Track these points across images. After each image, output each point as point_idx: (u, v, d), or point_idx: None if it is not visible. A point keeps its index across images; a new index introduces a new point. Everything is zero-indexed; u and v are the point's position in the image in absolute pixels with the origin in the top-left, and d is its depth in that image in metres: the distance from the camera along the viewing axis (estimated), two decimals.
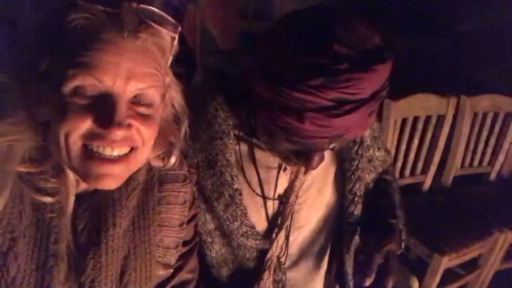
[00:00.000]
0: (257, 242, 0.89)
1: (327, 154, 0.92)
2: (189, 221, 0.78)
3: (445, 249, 1.54)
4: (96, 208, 0.64)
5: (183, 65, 0.68)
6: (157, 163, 0.71)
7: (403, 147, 1.77)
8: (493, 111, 1.96)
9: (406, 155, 1.80)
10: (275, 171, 0.89)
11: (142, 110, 0.58)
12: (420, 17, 2.67)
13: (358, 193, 0.94)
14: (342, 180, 0.96)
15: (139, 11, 0.55)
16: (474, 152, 2.00)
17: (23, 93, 0.57)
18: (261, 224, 0.90)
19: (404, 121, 1.71)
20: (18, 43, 0.61)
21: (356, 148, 0.93)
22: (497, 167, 2.07)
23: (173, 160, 0.71)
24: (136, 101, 0.57)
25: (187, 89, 0.71)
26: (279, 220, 0.90)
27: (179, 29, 0.60)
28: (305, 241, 0.96)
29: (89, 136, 0.55)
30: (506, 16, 2.32)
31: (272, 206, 0.91)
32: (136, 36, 0.55)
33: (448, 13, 2.57)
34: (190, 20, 2.44)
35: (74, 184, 0.63)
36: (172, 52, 0.62)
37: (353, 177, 0.94)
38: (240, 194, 0.85)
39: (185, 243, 0.77)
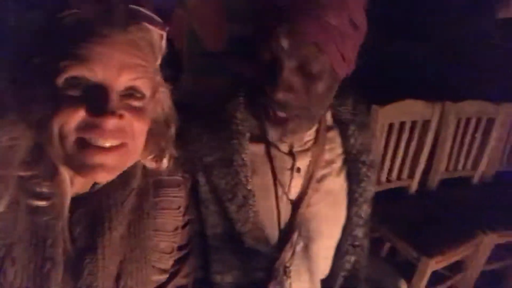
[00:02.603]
0: (267, 247, 0.88)
1: (340, 176, 0.94)
2: (183, 226, 0.78)
3: (433, 252, 1.57)
4: (92, 213, 0.64)
5: (170, 68, 0.70)
6: (151, 165, 0.72)
7: (390, 151, 1.79)
8: (476, 117, 2.01)
9: (393, 159, 1.83)
10: (288, 173, 0.89)
11: (134, 103, 0.60)
12: (404, 23, 2.71)
13: (363, 216, 0.95)
14: (349, 203, 0.95)
15: (128, 10, 0.58)
16: (458, 156, 2.05)
17: (16, 90, 0.57)
18: (272, 230, 0.89)
19: (390, 126, 1.74)
20: (7, 41, 0.61)
21: (364, 169, 0.93)
22: (480, 170, 2.13)
23: (165, 162, 0.72)
24: (127, 94, 0.59)
25: (174, 91, 0.71)
26: (290, 227, 0.89)
27: (167, 28, 0.63)
28: (314, 256, 0.94)
29: (83, 128, 0.56)
30: (487, 23, 2.38)
31: (284, 210, 0.89)
32: (126, 29, 0.58)
33: (430, 19, 2.62)
34: (178, 23, 2.43)
35: (69, 186, 0.62)
36: (161, 50, 0.65)
37: (360, 199, 0.94)
38: (254, 196, 0.85)
39: (180, 248, 0.77)
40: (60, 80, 0.54)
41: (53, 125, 0.55)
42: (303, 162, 0.89)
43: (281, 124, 0.79)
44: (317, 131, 0.91)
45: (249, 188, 0.84)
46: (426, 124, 1.84)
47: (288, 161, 0.88)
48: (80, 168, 0.58)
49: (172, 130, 0.72)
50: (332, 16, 0.72)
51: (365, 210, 0.95)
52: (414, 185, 1.94)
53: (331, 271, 0.99)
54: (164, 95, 0.69)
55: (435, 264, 1.57)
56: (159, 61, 0.66)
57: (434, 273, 1.63)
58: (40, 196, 0.59)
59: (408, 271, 1.60)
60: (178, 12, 2.38)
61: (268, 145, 0.88)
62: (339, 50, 0.75)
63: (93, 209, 0.64)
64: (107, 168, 0.59)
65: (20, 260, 0.58)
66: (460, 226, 1.75)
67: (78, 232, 0.63)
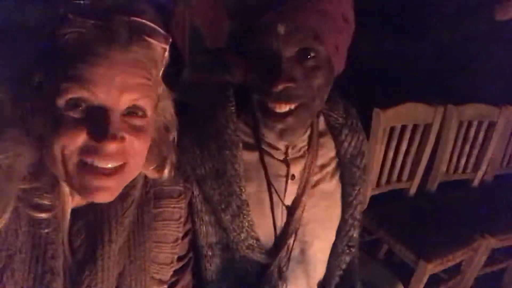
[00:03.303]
0: (262, 255, 0.88)
1: (333, 180, 0.95)
2: (183, 237, 0.78)
3: (431, 256, 1.58)
4: (92, 225, 0.64)
5: (171, 65, 0.70)
6: (153, 175, 0.71)
7: (391, 154, 1.79)
8: (478, 120, 2.01)
9: (393, 162, 1.82)
10: (283, 180, 0.89)
11: (135, 121, 0.59)
12: (404, 23, 2.68)
13: (357, 217, 0.96)
14: (343, 206, 0.97)
15: (130, 23, 0.56)
16: (459, 159, 2.05)
17: (17, 107, 0.57)
18: (267, 237, 0.89)
19: (392, 129, 1.74)
20: (10, 57, 0.61)
21: (359, 173, 0.95)
22: (480, 174, 2.13)
23: (166, 172, 0.71)
24: (129, 112, 0.58)
25: (175, 88, 0.70)
26: (285, 233, 0.90)
27: (170, 40, 0.61)
28: (310, 260, 0.95)
29: (84, 151, 0.55)
30: (483, 24, 2.35)
31: (280, 217, 0.90)
32: (128, 49, 0.56)
33: (430, 20, 2.59)
34: (179, 19, 2.42)
35: (69, 198, 0.63)
36: (164, 62, 0.63)
37: (354, 202, 0.95)
38: (248, 205, 0.85)
39: (179, 259, 0.78)
40: (61, 102, 0.54)
41: (54, 147, 0.55)
42: (297, 169, 0.90)
43: (281, 120, 0.78)
44: (310, 137, 0.92)
45: (243, 198, 0.84)
46: (427, 127, 1.84)
47: (282, 168, 0.89)
48: (81, 189, 0.58)
49: (172, 135, 0.72)
50: (326, 3, 0.73)
51: (358, 211, 0.97)
52: (414, 187, 1.94)
53: (327, 272, 1.01)
54: (167, 102, 0.68)
55: (433, 267, 1.58)
56: (161, 72, 0.65)
57: (431, 275, 1.63)
58: (41, 208, 0.59)
59: (406, 273, 1.61)
60: (181, 9, 2.37)
61: (262, 153, 0.88)
62: (334, 40, 0.76)
63: (93, 220, 0.64)
64: (108, 190, 0.59)
65: (20, 272, 0.58)
66: (459, 230, 1.76)
67: (78, 244, 0.63)
